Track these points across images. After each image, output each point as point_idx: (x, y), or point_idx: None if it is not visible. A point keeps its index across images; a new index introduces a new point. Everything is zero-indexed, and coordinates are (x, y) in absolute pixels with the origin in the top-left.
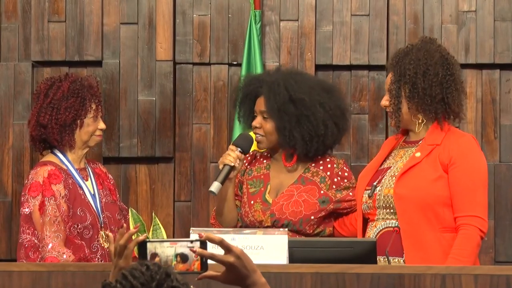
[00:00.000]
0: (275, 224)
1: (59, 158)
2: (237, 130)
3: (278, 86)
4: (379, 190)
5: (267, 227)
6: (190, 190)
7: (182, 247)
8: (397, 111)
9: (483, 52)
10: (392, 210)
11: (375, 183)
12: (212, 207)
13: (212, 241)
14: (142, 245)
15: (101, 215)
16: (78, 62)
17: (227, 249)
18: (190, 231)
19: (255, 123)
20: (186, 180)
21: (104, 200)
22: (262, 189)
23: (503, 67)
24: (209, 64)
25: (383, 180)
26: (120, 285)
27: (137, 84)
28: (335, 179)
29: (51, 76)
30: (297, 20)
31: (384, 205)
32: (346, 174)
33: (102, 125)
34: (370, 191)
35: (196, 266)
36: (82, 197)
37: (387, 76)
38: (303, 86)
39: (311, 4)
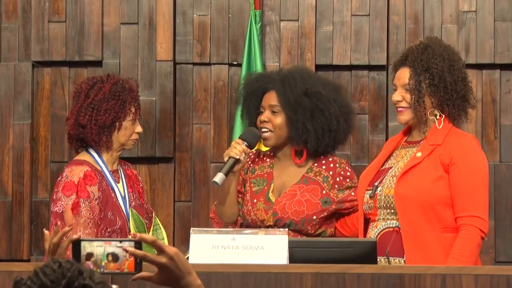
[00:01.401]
0: (277, 223)
1: (94, 158)
2: (238, 130)
3: (294, 79)
4: (380, 190)
5: (269, 226)
6: (190, 190)
7: (113, 246)
8: (420, 104)
9: (483, 52)
10: (393, 210)
11: (376, 183)
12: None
13: (145, 241)
14: (76, 244)
15: (130, 219)
16: (78, 62)
17: (160, 249)
18: (190, 231)
19: (263, 117)
20: (186, 180)
21: (133, 203)
22: (266, 188)
23: (503, 67)
24: (209, 64)
25: (384, 180)
26: (31, 282)
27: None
28: (338, 179)
29: (93, 76)
30: (297, 20)
31: (385, 205)
32: (348, 173)
33: (139, 129)
34: (371, 191)
35: (127, 266)
36: (114, 200)
37: (395, 72)
38: (317, 81)
39: (311, 4)
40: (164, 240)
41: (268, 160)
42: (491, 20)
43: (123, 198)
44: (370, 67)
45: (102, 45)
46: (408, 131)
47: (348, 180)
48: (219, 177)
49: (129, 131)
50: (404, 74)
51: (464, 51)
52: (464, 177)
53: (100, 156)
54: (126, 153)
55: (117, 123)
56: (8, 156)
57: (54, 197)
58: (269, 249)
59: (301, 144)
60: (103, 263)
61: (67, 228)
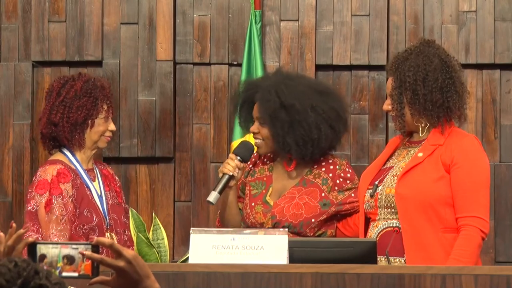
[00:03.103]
0: (276, 226)
1: (67, 157)
2: (238, 131)
3: (269, 93)
4: (380, 190)
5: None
6: (190, 190)
7: (69, 248)
8: (401, 116)
9: (483, 52)
10: (393, 210)
11: (376, 182)
12: (213, 207)
13: (103, 244)
14: (32, 247)
15: (107, 217)
16: (78, 62)
17: (118, 253)
18: (190, 231)
19: (253, 128)
20: (186, 180)
21: (110, 202)
22: (264, 191)
23: (503, 67)
24: (209, 64)
25: (385, 180)
26: None
27: (137, 84)
28: (337, 181)
29: (64, 75)
30: (297, 20)
31: (385, 205)
32: (348, 175)
33: (112, 127)
34: (372, 190)
35: (84, 268)
36: (90, 197)
37: (387, 79)
38: (294, 91)
39: (311, 4)
40: (164, 240)
41: (268, 162)
42: (491, 20)
43: (100, 197)
44: (370, 67)
45: (102, 45)
46: (410, 131)
47: (348, 181)
48: (213, 197)
49: (101, 128)
50: (389, 84)
51: (464, 51)
52: (465, 178)
53: (73, 155)
54: (126, 153)
55: (89, 121)
56: (8, 156)
57: (28, 197)
58: (269, 249)
59: (286, 155)
60: (58, 265)
61: (22, 230)
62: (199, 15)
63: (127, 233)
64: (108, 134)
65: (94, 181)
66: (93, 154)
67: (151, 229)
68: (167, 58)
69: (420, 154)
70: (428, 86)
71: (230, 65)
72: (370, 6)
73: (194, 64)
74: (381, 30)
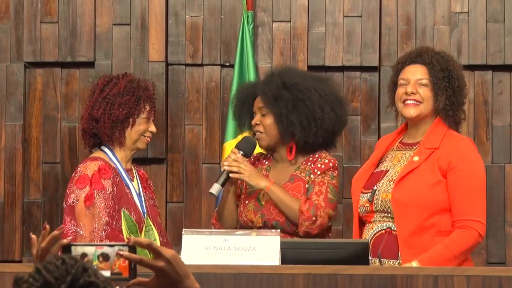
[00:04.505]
0: (266, 224)
1: (108, 155)
2: (230, 132)
3: (272, 76)
4: (376, 194)
5: (259, 227)
6: (182, 191)
7: (104, 248)
8: (436, 100)
9: (475, 53)
10: (389, 214)
11: (375, 188)
12: (205, 208)
13: (140, 244)
14: (67, 249)
15: (145, 216)
16: (71, 63)
17: (157, 253)
18: (183, 232)
19: (254, 120)
20: (178, 181)
21: (147, 203)
22: (258, 190)
23: (495, 68)
24: (201, 65)
25: (380, 184)
26: (33, 279)
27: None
28: (318, 165)
29: (110, 74)
30: (290, 21)
31: (381, 209)
32: (330, 164)
33: (153, 128)
34: (369, 195)
35: (118, 266)
36: (129, 196)
37: (402, 68)
38: (295, 74)
39: (304, 5)
40: (156, 241)
41: (266, 162)
42: (483, 21)
43: (138, 195)
44: (362, 68)
45: (94, 46)
46: (403, 130)
47: (323, 166)
48: (215, 188)
49: (142, 128)
50: (419, 70)
51: (456, 52)
52: (463, 181)
53: (113, 154)
54: None
55: (130, 119)
56: (0, 157)
57: (68, 192)
58: (261, 250)
59: (290, 139)
60: (94, 263)
61: (55, 232)
62: (191, 16)
63: (162, 233)
64: (148, 135)
65: (133, 180)
66: (132, 154)
67: (143, 230)
68: (159, 59)
69: (416, 158)
70: (462, 80)
71: (222, 66)
72: (362, 7)
73: (186, 65)
74: (373, 31)
